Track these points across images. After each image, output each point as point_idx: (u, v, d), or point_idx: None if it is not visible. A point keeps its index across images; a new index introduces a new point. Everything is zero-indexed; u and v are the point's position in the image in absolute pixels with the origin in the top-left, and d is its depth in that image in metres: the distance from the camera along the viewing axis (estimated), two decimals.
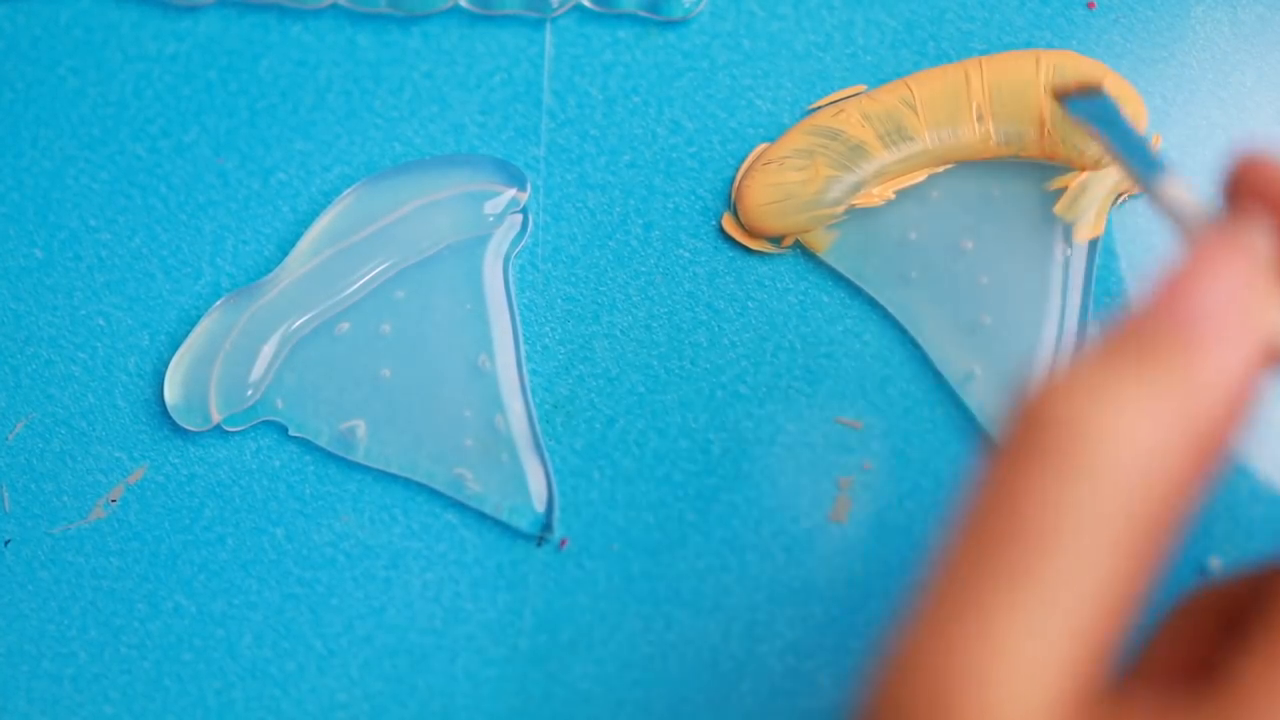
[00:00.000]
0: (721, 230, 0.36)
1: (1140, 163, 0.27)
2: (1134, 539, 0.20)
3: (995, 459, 0.21)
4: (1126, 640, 0.22)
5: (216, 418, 0.35)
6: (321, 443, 0.35)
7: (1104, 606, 0.20)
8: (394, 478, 0.36)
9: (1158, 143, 0.35)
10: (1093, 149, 0.34)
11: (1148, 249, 0.35)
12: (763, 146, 0.36)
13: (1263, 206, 0.23)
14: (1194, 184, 0.24)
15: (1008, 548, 0.20)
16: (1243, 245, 0.22)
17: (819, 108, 0.36)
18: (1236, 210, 0.23)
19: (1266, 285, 0.21)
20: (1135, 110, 0.35)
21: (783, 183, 0.35)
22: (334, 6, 0.37)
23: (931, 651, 0.20)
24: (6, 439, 0.36)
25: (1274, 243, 0.22)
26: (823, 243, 0.35)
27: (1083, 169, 0.35)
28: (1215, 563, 0.34)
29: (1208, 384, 0.21)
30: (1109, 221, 0.35)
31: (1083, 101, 0.31)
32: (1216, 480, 0.22)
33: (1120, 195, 0.35)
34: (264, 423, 0.36)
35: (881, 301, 0.35)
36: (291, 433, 0.35)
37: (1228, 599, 0.25)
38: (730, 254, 0.36)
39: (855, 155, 0.35)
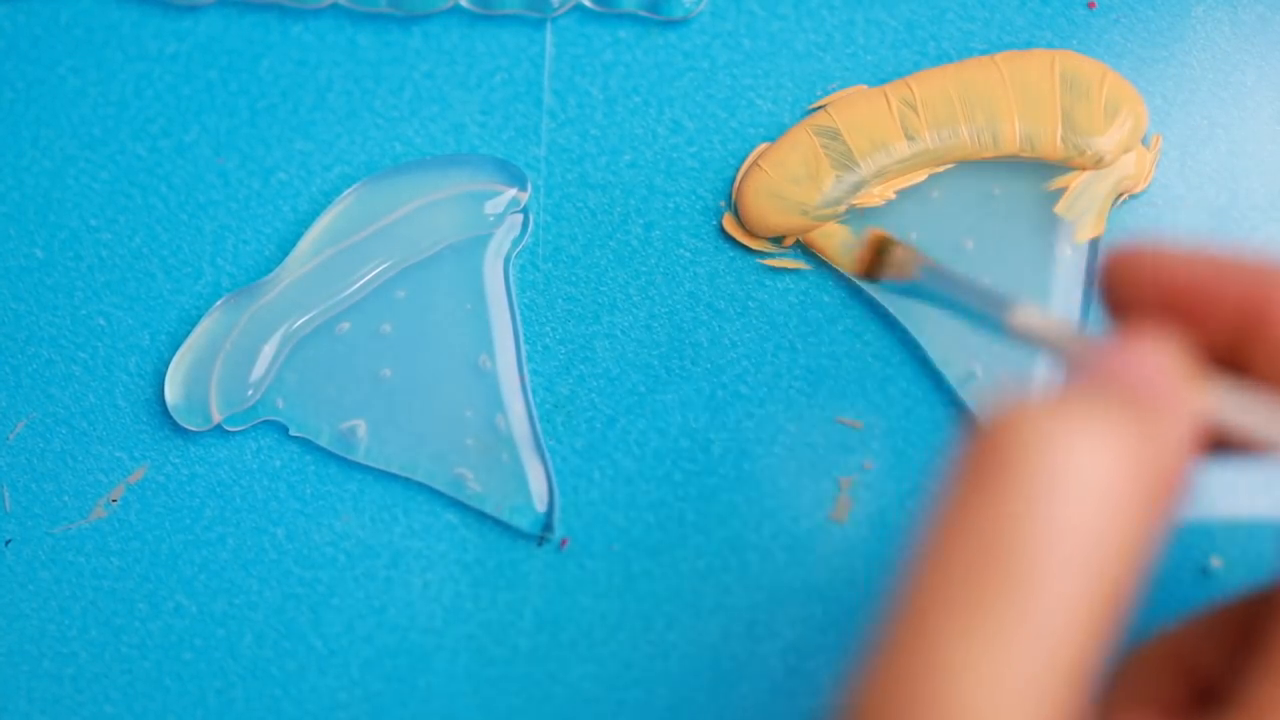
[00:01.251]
0: (721, 230, 0.36)
1: (985, 303, 0.26)
2: (1103, 572, 0.20)
3: (959, 481, 0.21)
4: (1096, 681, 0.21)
5: (217, 417, 0.35)
6: (322, 442, 0.35)
7: (1077, 638, 0.20)
8: (394, 477, 0.36)
9: (1157, 143, 0.35)
10: (1093, 149, 0.34)
11: None
12: (763, 146, 0.36)
13: (1146, 312, 0.23)
14: (1044, 308, 0.24)
15: (978, 575, 0.20)
16: (1152, 339, 0.22)
17: (819, 108, 0.36)
18: (1121, 318, 0.23)
19: (1188, 370, 0.22)
20: (1135, 110, 0.35)
21: (783, 182, 0.35)
22: (334, 6, 0.37)
23: (901, 686, 0.20)
24: (7, 439, 0.36)
25: (1174, 340, 0.22)
26: (838, 252, 0.35)
27: (1083, 169, 0.35)
28: (1216, 562, 0.34)
29: (1160, 437, 0.21)
30: (1109, 221, 0.35)
31: (897, 272, 0.29)
32: (1161, 544, 0.22)
33: (1120, 195, 0.35)
34: (264, 422, 0.36)
35: (882, 301, 0.35)
36: (292, 432, 0.35)
37: (1184, 644, 0.25)
38: (730, 254, 0.36)
39: (856, 154, 0.35)
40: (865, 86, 0.36)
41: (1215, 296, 0.22)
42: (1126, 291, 0.23)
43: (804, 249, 0.36)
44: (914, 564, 0.21)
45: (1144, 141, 0.35)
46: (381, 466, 0.35)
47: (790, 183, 0.35)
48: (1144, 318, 0.23)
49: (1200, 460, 0.22)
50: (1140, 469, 0.20)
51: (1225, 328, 0.22)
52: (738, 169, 0.36)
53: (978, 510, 0.20)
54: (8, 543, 0.36)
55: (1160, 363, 0.21)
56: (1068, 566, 0.19)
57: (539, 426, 0.35)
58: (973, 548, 0.20)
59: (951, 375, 0.35)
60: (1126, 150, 0.35)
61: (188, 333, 0.36)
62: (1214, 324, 0.22)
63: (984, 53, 0.36)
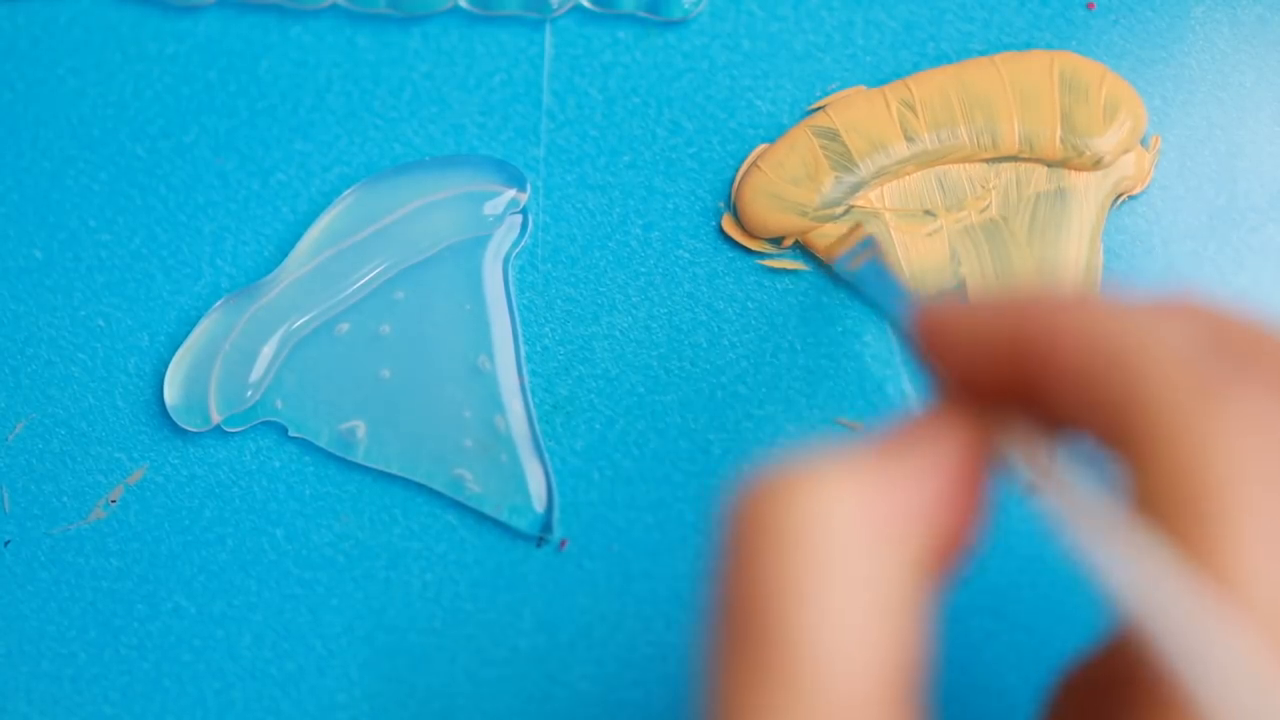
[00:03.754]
0: (721, 230, 0.36)
1: (894, 297, 0.30)
2: (870, 618, 0.20)
3: (724, 553, 0.21)
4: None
5: (216, 418, 0.35)
6: (321, 443, 0.35)
7: (849, 684, 0.20)
8: (394, 478, 0.36)
9: (1156, 144, 0.35)
10: (1092, 150, 0.34)
11: (1148, 250, 0.35)
12: (763, 147, 0.36)
13: (950, 365, 0.23)
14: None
15: (742, 648, 0.20)
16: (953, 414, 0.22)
17: (819, 108, 0.36)
18: (931, 372, 0.24)
19: (957, 418, 0.22)
20: (1135, 111, 0.35)
21: (782, 183, 0.35)
22: (334, 6, 0.37)
23: None
24: (6, 439, 0.36)
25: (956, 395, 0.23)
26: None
27: (1082, 170, 0.35)
28: None
29: (904, 482, 0.21)
30: (1108, 222, 0.35)
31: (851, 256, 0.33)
32: (967, 558, 0.22)
33: (1119, 196, 0.35)
34: (264, 423, 0.36)
35: (880, 303, 0.35)
36: (291, 433, 0.35)
37: (1099, 671, 0.24)
38: (730, 254, 0.36)
39: (855, 155, 0.35)
40: (864, 87, 0.36)
41: (995, 340, 0.22)
42: (932, 352, 0.24)
43: (803, 250, 0.36)
44: (704, 630, 0.21)
45: (1143, 142, 0.35)
46: (380, 467, 0.35)
47: (789, 183, 0.35)
48: (947, 371, 0.23)
49: (984, 499, 0.22)
50: (879, 513, 0.21)
51: (1016, 368, 0.22)
52: (737, 170, 0.36)
53: (732, 580, 0.21)
54: (7, 544, 0.36)
55: (924, 416, 0.22)
56: (820, 618, 0.20)
57: (538, 427, 0.35)
58: (734, 619, 0.20)
59: None
60: (1125, 151, 0.35)
61: (187, 334, 0.36)
62: (1005, 367, 0.22)
63: (983, 54, 0.36)
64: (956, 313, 0.23)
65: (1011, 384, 0.22)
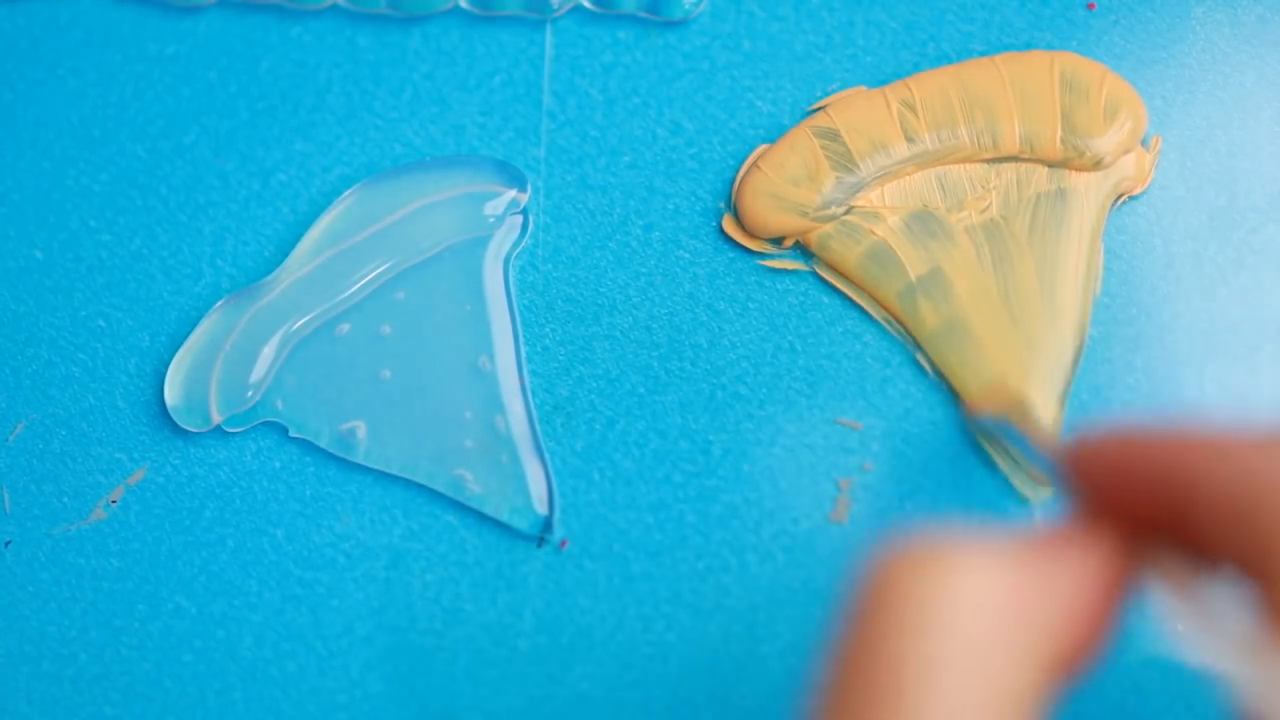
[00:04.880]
0: (721, 231, 0.36)
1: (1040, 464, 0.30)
2: (987, 692, 0.21)
3: (851, 618, 0.22)
4: None
5: (217, 419, 0.35)
6: (322, 444, 0.35)
7: None
8: (394, 479, 0.36)
9: (1157, 144, 0.35)
10: (1092, 151, 0.34)
11: (1148, 250, 0.35)
12: (763, 147, 0.36)
13: (1099, 494, 0.24)
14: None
15: (866, 712, 0.21)
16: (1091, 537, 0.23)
17: (819, 108, 0.36)
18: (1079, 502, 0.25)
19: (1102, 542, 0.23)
20: (1135, 112, 0.35)
21: (783, 183, 0.35)
22: (334, 7, 0.37)
23: None
24: (7, 440, 0.36)
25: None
26: (850, 258, 0.35)
27: (1082, 170, 0.35)
28: None
29: (1059, 578, 0.22)
30: (1108, 223, 0.35)
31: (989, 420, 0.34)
32: (1091, 669, 0.23)
33: (1120, 196, 0.35)
34: (264, 424, 0.36)
35: (879, 304, 0.35)
36: (292, 434, 0.35)
37: None
38: (730, 254, 0.36)
39: (856, 155, 0.35)
40: (865, 88, 0.36)
41: (1145, 482, 0.23)
42: (1084, 482, 0.25)
43: (803, 250, 0.36)
44: (822, 691, 0.22)
45: (1143, 143, 0.35)
46: (381, 468, 0.35)
47: (790, 184, 0.35)
48: (1096, 498, 0.24)
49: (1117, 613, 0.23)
50: (1019, 607, 0.21)
51: (1161, 504, 0.23)
52: (737, 170, 0.36)
53: (862, 642, 0.21)
54: (7, 544, 0.36)
55: (1069, 529, 0.23)
56: (944, 698, 0.21)
57: (539, 428, 0.35)
58: (858, 679, 0.21)
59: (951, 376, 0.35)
60: (1126, 151, 0.35)
61: (187, 334, 0.36)
62: (1151, 502, 0.23)
63: (983, 54, 0.36)
64: (1108, 447, 0.24)
65: (1155, 512, 0.23)
